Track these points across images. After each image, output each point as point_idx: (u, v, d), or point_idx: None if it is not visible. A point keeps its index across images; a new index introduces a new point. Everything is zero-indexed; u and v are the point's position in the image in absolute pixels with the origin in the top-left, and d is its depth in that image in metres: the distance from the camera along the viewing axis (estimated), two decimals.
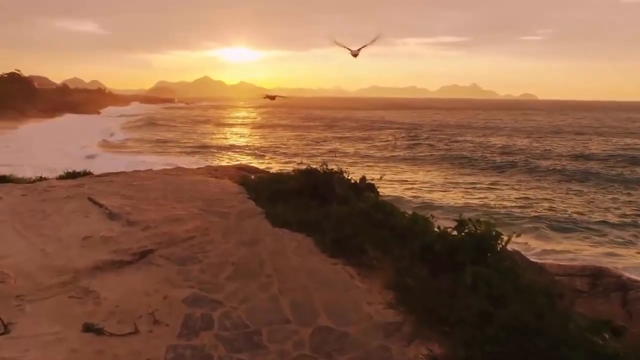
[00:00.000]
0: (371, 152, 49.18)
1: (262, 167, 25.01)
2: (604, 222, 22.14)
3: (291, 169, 9.48)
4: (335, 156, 33.80)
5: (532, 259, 10.95)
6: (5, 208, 7.51)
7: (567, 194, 28.82)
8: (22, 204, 7.78)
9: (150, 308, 4.53)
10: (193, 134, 69.82)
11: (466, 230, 5.24)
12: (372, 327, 4.34)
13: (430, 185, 31.32)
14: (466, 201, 26.52)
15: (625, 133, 71.63)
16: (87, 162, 30.90)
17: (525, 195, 28.03)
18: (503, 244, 5.21)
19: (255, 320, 4.41)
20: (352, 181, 7.64)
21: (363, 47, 8.42)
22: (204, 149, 52.09)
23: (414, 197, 27.51)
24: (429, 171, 37.39)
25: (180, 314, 4.46)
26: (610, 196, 28.14)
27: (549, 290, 4.74)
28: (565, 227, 21.37)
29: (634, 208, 25.13)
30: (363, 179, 7.71)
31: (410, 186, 30.99)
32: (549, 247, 18.60)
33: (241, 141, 61.22)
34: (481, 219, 5.38)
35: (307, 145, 56.13)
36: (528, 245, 17.23)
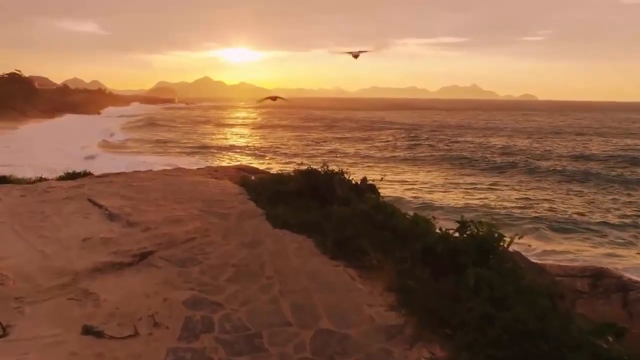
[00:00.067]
0: (371, 152, 49.16)
1: (262, 167, 25.02)
2: (604, 223, 22.12)
3: (291, 169, 9.44)
4: (336, 157, 33.72)
5: (533, 260, 10.93)
6: (5, 209, 7.48)
7: (568, 194, 28.80)
8: (21, 205, 7.75)
9: (150, 310, 4.50)
10: (193, 134, 69.81)
11: (468, 232, 5.22)
12: (374, 329, 4.31)
13: (430, 186, 31.29)
14: (466, 202, 26.50)
15: (626, 134, 71.63)
16: (87, 162, 30.89)
17: (526, 196, 28.00)
18: (505, 245, 5.18)
19: (255, 322, 4.38)
20: (353, 182, 7.61)
21: (364, 51, 8.42)
22: (204, 149, 52.07)
23: (414, 197, 27.49)
24: (429, 172, 37.36)
25: (181, 316, 4.43)
26: (610, 197, 28.12)
27: (551, 292, 4.72)
28: (565, 227, 21.35)
29: (634, 209, 25.11)
30: (364, 179, 7.68)
31: (410, 187, 30.97)
32: (549, 247, 18.58)
33: (241, 141, 61.21)
34: (483, 220, 5.36)
35: (307, 145, 56.12)
36: (528, 246, 17.20)
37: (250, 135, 70.52)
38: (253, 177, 9.72)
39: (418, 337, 4.23)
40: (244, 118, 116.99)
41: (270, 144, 57.53)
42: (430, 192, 29.24)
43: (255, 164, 35.15)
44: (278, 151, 50.60)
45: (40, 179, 10.55)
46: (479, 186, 31.05)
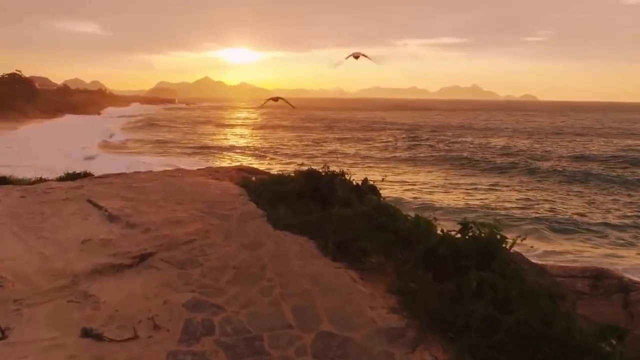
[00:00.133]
0: (372, 153, 49.14)
1: (262, 168, 24.99)
2: (605, 224, 22.09)
3: (292, 169, 9.41)
4: (337, 158, 33.69)
5: (533, 261, 10.90)
6: (4, 210, 7.44)
7: (568, 195, 28.77)
8: (20, 206, 7.71)
9: (150, 313, 4.46)
10: (193, 134, 69.82)
11: (470, 234, 5.18)
12: (376, 332, 4.27)
13: (430, 186, 31.26)
14: (467, 202, 26.46)
15: (626, 134, 71.61)
16: (87, 163, 30.87)
17: (526, 197, 27.97)
18: (508, 247, 5.14)
19: (256, 325, 4.34)
20: (354, 183, 7.57)
21: (364, 55, 8.44)
22: (204, 149, 52.06)
23: (414, 198, 27.46)
24: (429, 172, 37.34)
25: (181, 318, 4.39)
26: (611, 197, 28.10)
27: (552, 294, 4.68)
28: (566, 228, 21.32)
29: (635, 209, 25.08)
30: (365, 180, 7.64)
31: (410, 187, 30.94)
32: (549, 248, 18.55)
33: (242, 142, 61.19)
34: (485, 222, 5.32)
35: (307, 145, 56.11)
36: (529, 247, 17.17)
37: (251, 136, 70.53)
38: (254, 178, 9.68)
39: (420, 340, 4.20)
40: (244, 118, 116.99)
41: (271, 144, 57.52)
42: (431, 193, 29.21)
43: (256, 164, 35.13)
44: (278, 151, 50.60)
45: (40, 180, 10.52)
46: (479, 187, 31.02)
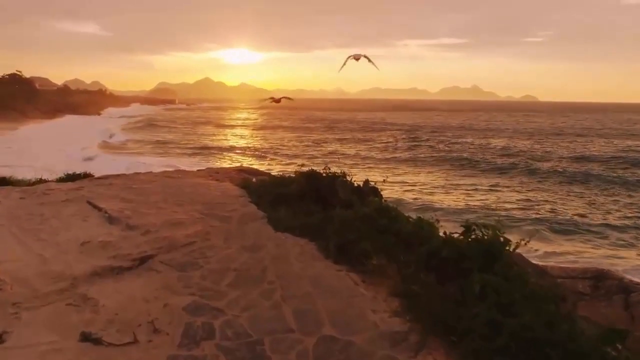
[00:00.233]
0: (372, 153, 49.09)
1: (263, 168, 24.94)
2: (605, 224, 22.04)
3: (292, 170, 9.37)
4: (338, 158, 33.65)
5: (534, 262, 10.87)
6: (3, 211, 7.39)
7: (568, 195, 28.72)
8: (20, 207, 7.66)
9: (150, 316, 4.41)
10: (193, 135, 69.76)
11: (473, 236, 5.13)
12: (378, 336, 4.22)
13: (430, 187, 31.21)
14: (467, 203, 26.42)
15: (627, 135, 71.59)
16: (87, 163, 30.84)
17: (527, 197, 27.93)
18: (511, 249, 5.09)
19: (257, 329, 4.30)
20: (355, 184, 7.53)
21: (364, 56, 8.47)
22: (204, 150, 51.99)
23: (415, 199, 27.41)
24: (429, 173, 37.30)
25: (181, 322, 4.35)
26: (611, 198, 28.05)
27: (556, 297, 4.64)
28: (566, 229, 21.27)
29: (635, 210, 25.03)
30: (366, 182, 7.59)
31: (410, 188, 30.89)
32: (550, 249, 18.51)
33: (242, 142, 61.13)
34: (488, 223, 5.27)
35: (307, 146, 56.06)
36: (529, 248, 17.13)
37: (251, 136, 70.49)
38: (254, 179, 9.64)
39: (423, 344, 4.15)
40: (244, 119, 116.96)
41: (271, 144, 57.46)
42: (431, 194, 29.16)
43: (256, 165, 35.12)
44: (279, 152, 50.54)
45: (40, 181, 10.47)
46: (479, 187, 30.97)
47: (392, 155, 47.69)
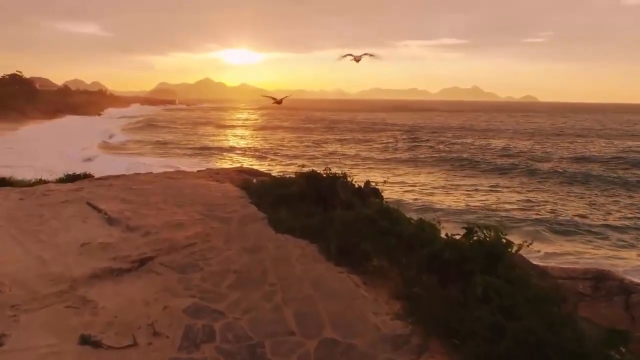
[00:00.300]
0: (372, 154, 49.05)
1: (263, 169, 24.90)
2: (606, 225, 21.99)
3: (293, 171, 9.35)
4: (339, 159, 33.65)
5: (535, 262, 10.84)
6: (2, 213, 7.36)
7: (569, 196, 28.68)
8: (19, 208, 7.63)
9: (149, 319, 4.37)
10: (194, 135, 69.69)
11: (475, 238, 5.10)
12: (380, 339, 4.18)
13: (430, 188, 31.16)
14: (467, 203, 26.37)
15: (627, 135, 71.54)
16: (87, 164, 30.81)
17: (527, 198, 27.88)
18: (513, 251, 5.06)
19: (258, 331, 4.26)
20: (356, 186, 7.50)
21: (365, 54, 8.45)
22: (205, 150, 51.93)
23: (415, 199, 27.37)
24: (430, 173, 37.25)
25: (181, 325, 4.31)
26: (611, 199, 28.00)
27: (559, 300, 4.60)
28: (566, 229, 21.22)
29: (636, 210, 24.98)
30: (367, 183, 7.56)
31: (410, 188, 30.84)
32: (550, 249, 18.47)
33: (242, 143, 61.07)
34: (490, 225, 5.24)
35: (307, 147, 56.01)
36: (530, 248, 17.08)
37: (251, 137, 70.43)
38: (255, 180, 9.60)
39: (425, 347, 4.12)
40: (244, 119, 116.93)
41: (271, 145, 57.41)
42: (431, 194, 29.11)
43: (257, 165, 35.07)
44: (279, 152, 50.49)
45: (40, 181, 10.44)
46: (479, 188, 30.92)
47: (392, 156, 47.63)
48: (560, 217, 23.16)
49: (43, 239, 6.24)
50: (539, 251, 17.33)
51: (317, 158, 43.37)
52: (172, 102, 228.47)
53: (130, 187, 8.99)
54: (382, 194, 7.69)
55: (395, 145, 56.33)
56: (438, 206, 25.21)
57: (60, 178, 10.70)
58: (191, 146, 55.29)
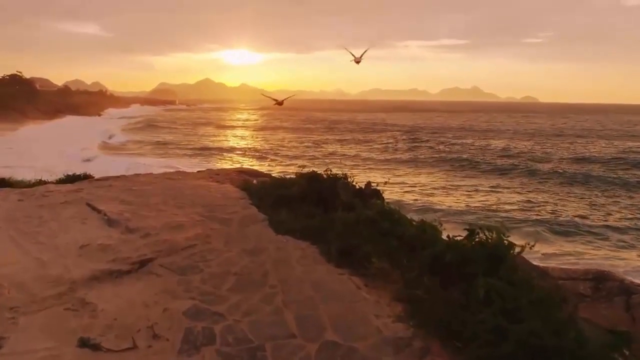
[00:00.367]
0: (372, 154, 49.01)
1: (263, 169, 24.87)
2: (606, 226, 21.97)
3: (293, 171, 9.31)
4: (339, 160, 33.56)
5: (535, 263, 10.80)
6: (1, 214, 7.32)
7: (569, 197, 28.65)
8: (18, 209, 7.59)
9: (149, 321, 4.34)
10: (194, 136, 69.66)
11: (477, 239, 5.06)
12: (381, 342, 4.15)
13: (431, 188, 31.13)
14: (467, 204, 26.35)
15: (627, 136, 71.56)
16: (87, 164, 30.80)
17: (527, 198, 27.85)
18: (515, 253, 5.02)
19: (258, 334, 4.22)
20: (357, 187, 7.46)
21: (364, 52, 8.42)
22: (205, 151, 51.90)
23: (415, 200, 27.35)
24: (430, 174, 37.22)
25: (181, 327, 4.27)
26: (612, 199, 27.98)
27: (561, 302, 4.57)
28: (566, 230, 21.19)
29: (636, 211, 24.96)
30: (368, 184, 7.52)
31: (411, 189, 30.81)
32: (550, 250, 18.43)
33: (242, 143, 61.02)
34: (492, 226, 5.20)
35: (308, 147, 55.98)
36: (542, 254, 17.07)
37: (251, 137, 70.39)
38: (255, 181, 9.57)
39: (427, 350, 4.08)
40: (244, 120, 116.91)
41: (271, 145, 57.37)
42: (431, 195, 29.08)
43: (257, 166, 35.05)
44: (279, 153, 50.46)
45: (40, 182, 10.41)
46: (479, 188, 30.89)
47: (392, 156, 47.60)
48: (561, 218, 23.14)
49: (42, 241, 6.21)
50: (536, 250, 17.30)
51: (317, 158, 43.34)
52: (172, 103, 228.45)
53: (130, 188, 8.96)
54: (383, 195, 7.66)
55: (395, 145, 56.29)
56: (438, 207, 25.18)
57: (59, 179, 10.67)
58: (191, 146, 55.26)
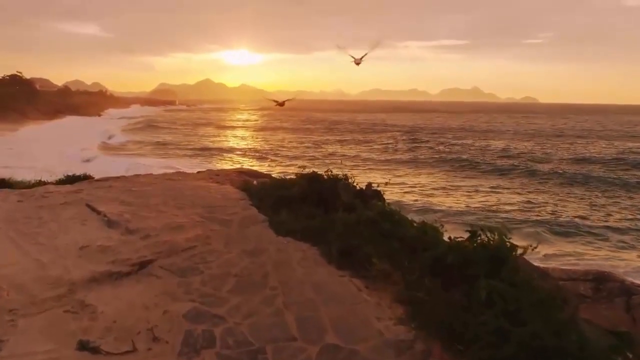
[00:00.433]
0: (372, 155, 49.00)
1: (263, 170, 24.85)
2: (606, 226, 21.96)
3: (293, 171, 9.29)
4: (340, 162, 33.59)
5: (535, 264, 10.78)
6: (1, 215, 7.29)
7: (569, 197, 28.64)
8: (18, 210, 7.56)
9: (149, 324, 4.31)
10: (194, 136, 69.63)
11: (478, 241, 5.04)
12: (383, 344, 4.12)
13: (431, 189, 31.12)
14: (467, 205, 26.33)
15: (627, 136, 71.55)
16: (86, 165, 30.79)
17: (527, 199, 27.84)
18: (517, 255, 4.99)
19: (259, 337, 4.20)
20: (358, 188, 7.44)
21: (365, 55, 8.41)
22: (205, 151, 51.88)
23: (415, 200, 27.33)
24: (430, 174, 37.21)
25: (181, 330, 4.25)
26: (612, 200, 27.97)
27: (563, 304, 4.54)
28: (567, 230, 21.18)
29: (636, 212, 24.96)
30: (369, 185, 7.50)
31: (410, 189, 30.80)
32: (550, 251, 18.41)
33: (242, 144, 61.00)
34: (494, 227, 5.17)
35: (308, 147, 55.97)
36: (543, 256, 17.04)
37: (251, 138, 70.37)
38: (255, 182, 9.54)
39: (429, 353, 4.06)
40: (244, 120, 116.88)
41: (271, 146, 57.36)
42: (431, 195, 29.06)
43: (257, 166, 35.04)
44: (279, 153, 50.44)
45: (39, 183, 10.39)
46: (480, 189, 30.88)
47: (392, 157, 47.59)
48: (561, 218, 23.12)
49: (41, 242, 6.18)
50: (539, 252, 17.28)
51: (318, 159, 43.31)
52: (172, 103, 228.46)
53: (130, 189, 8.93)
54: (383, 196, 7.63)
55: (395, 146, 56.29)
56: (438, 207, 25.16)
57: (59, 179, 10.64)
58: (191, 147, 55.23)
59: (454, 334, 4.15)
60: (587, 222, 22.58)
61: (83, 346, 3.97)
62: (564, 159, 43.90)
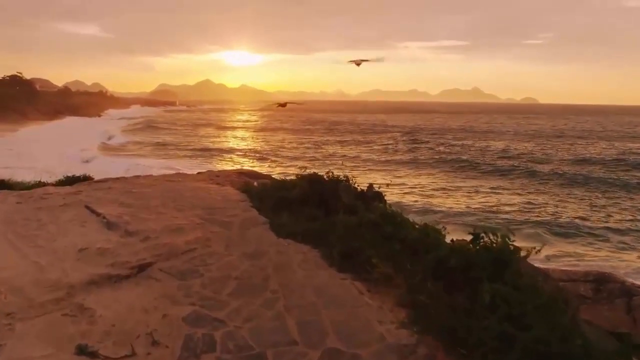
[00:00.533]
0: (372, 155, 48.95)
1: (263, 171, 24.79)
2: (607, 227, 21.91)
3: (293, 172, 9.25)
4: (341, 163, 33.54)
5: (536, 265, 10.75)
6: None
7: (569, 198, 28.58)
8: (16, 212, 7.51)
9: (148, 327, 4.25)
10: (194, 137, 69.59)
11: (481, 243, 4.99)
12: (385, 348, 4.07)
13: (431, 189, 31.07)
14: (468, 205, 26.27)
15: (628, 137, 71.51)
16: (86, 165, 30.74)
17: (527, 200, 27.79)
18: (520, 257, 4.94)
19: (259, 341, 4.14)
20: (359, 189, 7.38)
21: (366, 60, 8.43)
22: (205, 152, 51.83)
23: (415, 201, 27.28)
24: (430, 175, 37.16)
25: (181, 334, 4.19)
26: (612, 201, 27.91)
27: (568, 307, 4.49)
28: (567, 231, 21.14)
29: (636, 212, 24.91)
30: (370, 187, 7.45)
31: (411, 190, 30.75)
32: (551, 252, 18.35)
33: (242, 144, 60.95)
34: (496, 229, 5.13)
35: (308, 148, 55.92)
36: (536, 254, 16.99)
37: (252, 138, 70.32)
38: (256, 183, 9.49)
39: (432, 358, 4.00)
40: (245, 121, 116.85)
41: (272, 146, 57.32)
42: (431, 196, 29.01)
43: (257, 167, 35.00)
44: (279, 154, 50.39)
45: (39, 184, 10.33)
46: (480, 190, 30.82)
47: (392, 158, 47.53)
48: (561, 219, 23.08)
49: (40, 244, 6.12)
50: (539, 252, 17.24)
51: (318, 160, 43.27)
52: (172, 104, 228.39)
53: (130, 191, 8.87)
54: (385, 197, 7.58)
55: (396, 147, 56.24)
56: (438, 208, 25.12)
57: (59, 180, 10.59)
58: (191, 147, 55.18)
59: (457, 339, 4.10)
60: (588, 223, 22.53)
61: (81, 350, 3.91)
62: (564, 160, 43.85)
